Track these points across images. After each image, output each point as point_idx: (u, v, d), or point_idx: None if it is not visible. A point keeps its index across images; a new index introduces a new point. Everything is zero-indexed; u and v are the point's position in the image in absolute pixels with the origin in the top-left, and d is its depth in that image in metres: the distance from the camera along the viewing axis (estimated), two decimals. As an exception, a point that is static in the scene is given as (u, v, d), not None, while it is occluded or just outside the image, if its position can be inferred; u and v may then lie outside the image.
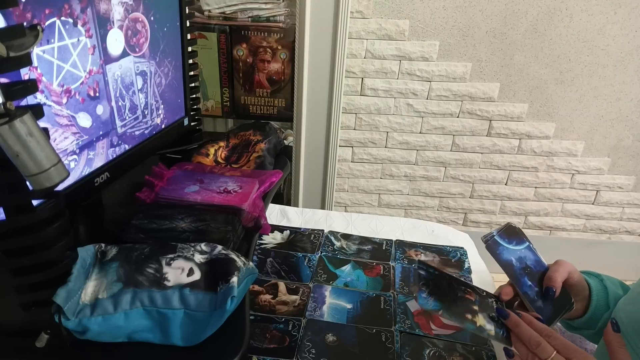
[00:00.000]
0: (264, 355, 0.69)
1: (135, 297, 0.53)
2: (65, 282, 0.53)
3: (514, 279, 0.69)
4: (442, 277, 0.68)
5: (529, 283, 0.69)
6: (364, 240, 1.00)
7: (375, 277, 0.88)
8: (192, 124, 0.99)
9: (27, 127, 0.40)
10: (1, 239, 0.47)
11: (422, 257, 0.95)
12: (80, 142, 0.64)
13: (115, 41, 0.68)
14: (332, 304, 0.80)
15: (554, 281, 0.66)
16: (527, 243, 0.73)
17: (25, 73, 0.52)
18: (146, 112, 0.81)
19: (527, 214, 1.84)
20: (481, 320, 0.64)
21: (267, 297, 0.81)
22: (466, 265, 0.93)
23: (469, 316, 0.64)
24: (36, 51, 0.53)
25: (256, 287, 0.82)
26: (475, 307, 0.66)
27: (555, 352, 0.53)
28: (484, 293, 0.70)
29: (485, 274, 0.92)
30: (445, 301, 0.65)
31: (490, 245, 0.72)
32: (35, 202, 0.48)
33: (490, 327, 0.63)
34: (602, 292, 0.69)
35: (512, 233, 0.74)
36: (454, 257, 0.96)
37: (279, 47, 1.32)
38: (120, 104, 0.73)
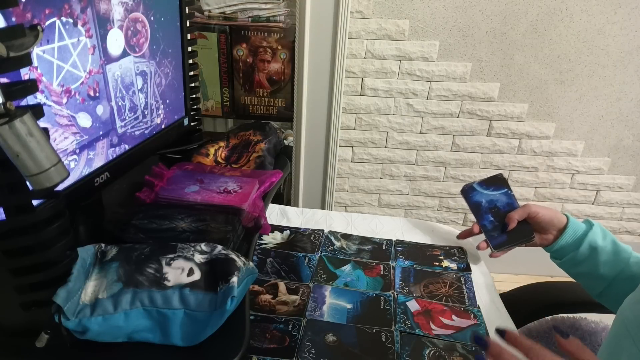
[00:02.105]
0: (264, 355, 0.69)
1: (135, 297, 0.53)
2: (65, 282, 0.53)
3: (476, 216, 0.89)
4: (415, 246, 0.98)
5: (491, 218, 0.88)
6: (364, 240, 1.00)
7: (375, 277, 0.88)
8: (192, 124, 0.99)
9: (27, 127, 0.40)
10: (1, 239, 0.47)
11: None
12: (80, 142, 0.64)
13: (115, 41, 0.68)
14: (332, 304, 0.80)
15: (509, 218, 0.86)
16: (506, 189, 0.90)
17: (25, 73, 0.52)
18: (146, 112, 0.81)
19: (527, 214, 1.84)
20: (446, 263, 0.92)
21: (267, 297, 0.81)
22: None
23: (437, 263, 0.92)
24: (36, 51, 0.53)
25: (256, 287, 0.82)
26: (441, 257, 0.94)
27: None
28: (448, 247, 0.97)
29: (486, 275, 0.92)
30: (417, 259, 0.93)
31: (466, 190, 0.92)
32: (35, 202, 0.48)
33: (453, 265, 0.92)
34: (576, 235, 0.81)
35: (495, 182, 0.91)
36: (454, 257, 0.96)
37: (279, 47, 1.32)
38: (120, 104, 0.73)
